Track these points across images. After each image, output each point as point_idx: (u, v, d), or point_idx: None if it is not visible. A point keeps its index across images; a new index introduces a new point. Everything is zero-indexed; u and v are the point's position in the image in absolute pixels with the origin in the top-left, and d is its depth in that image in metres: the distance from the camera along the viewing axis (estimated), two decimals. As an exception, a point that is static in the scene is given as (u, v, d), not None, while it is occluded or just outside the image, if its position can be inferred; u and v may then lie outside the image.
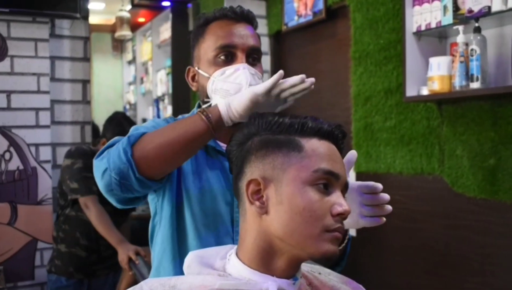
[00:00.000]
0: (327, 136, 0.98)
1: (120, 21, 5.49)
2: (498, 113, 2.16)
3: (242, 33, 1.34)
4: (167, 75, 5.17)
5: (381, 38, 2.69)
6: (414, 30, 2.32)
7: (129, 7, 5.30)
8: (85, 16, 3.32)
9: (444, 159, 2.41)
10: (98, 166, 1.20)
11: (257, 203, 0.95)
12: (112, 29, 6.37)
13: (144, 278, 2.19)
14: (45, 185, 3.14)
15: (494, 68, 2.14)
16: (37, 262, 3.12)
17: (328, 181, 0.94)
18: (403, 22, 2.34)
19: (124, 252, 2.54)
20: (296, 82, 1.17)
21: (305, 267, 1.08)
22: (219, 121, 1.18)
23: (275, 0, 3.65)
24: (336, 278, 1.11)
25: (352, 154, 1.22)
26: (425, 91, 2.28)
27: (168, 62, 5.05)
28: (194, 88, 1.41)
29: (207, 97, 1.35)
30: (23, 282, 3.09)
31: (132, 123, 2.93)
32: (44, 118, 3.16)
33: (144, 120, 5.89)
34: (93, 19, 4.88)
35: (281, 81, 1.17)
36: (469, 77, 2.07)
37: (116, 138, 1.25)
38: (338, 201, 0.94)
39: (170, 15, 4.73)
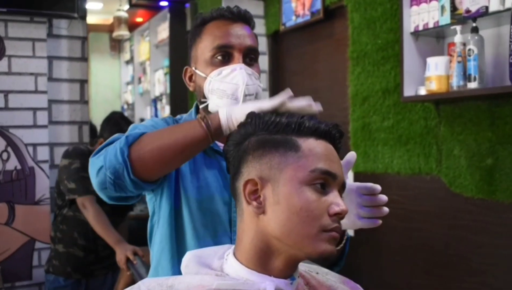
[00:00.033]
0: (324, 135, 0.98)
1: (118, 21, 5.49)
2: (495, 113, 2.16)
3: (239, 33, 1.34)
4: (165, 75, 5.17)
5: (379, 38, 2.69)
6: (412, 30, 2.32)
7: (127, 7, 5.30)
8: (83, 16, 3.32)
9: (441, 159, 2.41)
10: (94, 163, 1.20)
11: (254, 203, 0.95)
12: (110, 29, 6.36)
13: (142, 278, 2.19)
14: (43, 185, 3.14)
15: (491, 68, 2.14)
16: (35, 262, 3.12)
17: (325, 181, 0.94)
18: (400, 22, 2.34)
19: (122, 252, 2.54)
20: (303, 106, 1.14)
21: (303, 266, 1.08)
22: (218, 129, 1.16)
23: (273, 0, 3.65)
24: (333, 278, 1.11)
25: (352, 155, 1.22)
26: (422, 91, 2.28)
27: (166, 62, 5.05)
28: (191, 88, 1.41)
29: (204, 97, 1.35)
30: (21, 282, 3.09)
31: (130, 123, 2.93)
32: (42, 118, 3.16)
33: (142, 120, 5.88)
34: (91, 19, 4.87)
35: (288, 101, 1.14)
36: (466, 77, 2.07)
37: (116, 135, 1.25)
38: (335, 200, 0.94)
39: (168, 15, 4.73)
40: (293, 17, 3.39)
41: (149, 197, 1.39)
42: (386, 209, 1.21)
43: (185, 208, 1.32)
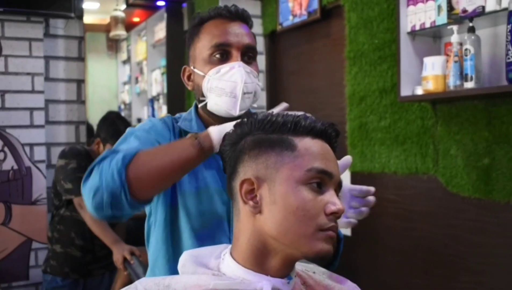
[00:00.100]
0: (320, 135, 0.98)
1: (115, 20, 5.48)
2: (492, 113, 2.17)
3: (237, 32, 1.34)
4: (162, 74, 5.17)
5: (376, 38, 2.69)
6: (409, 30, 2.32)
7: (123, 6, 5.29)
8: (80, 15, 3.31)
9: (438, 159, 2.41)
10: (89, 185, 1.17)
11: (251, 202, 0.95)
12: (106, 28, 6.35)
13: (139, 277, 2.18)
14: (40, 185, 3.14)
15: (488, 68, 2.15)
16: (32, 262, 3.11)
17: (322, 180, 0.94)
18: (397, 22, 2.35)
19: (119, 252, 2.54)
20: None
21: (300, 266, 1.08)
22: (211, 149, 1.18)
23: (270, 0, 3.65)
24: (330, 277, 1.11)
25: (347, 159, 1.24)
26: (419, 91, 2.28)
27: (163, 62, 5.05)
28: (189, 87, 1.41)
29: (203, 96, 1.35)
30: (18, 282, 3.08)
31: (126, 122, 2.92)
32: (39, 118, 3.15)
33: (139, 120, 5.88)
34: (87, 19, 4.87)
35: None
36: (463, 77, 2.08)
37: (105, 152, 1.22)
38: (331, 200, 0.94)
39: (165, 15, 4.73)
40: (290, 17, 3.39)
41: (147, 198, 1.39)
42: (367, 212, 1.29)
43: (182, 209, 1.32)
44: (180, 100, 4.56)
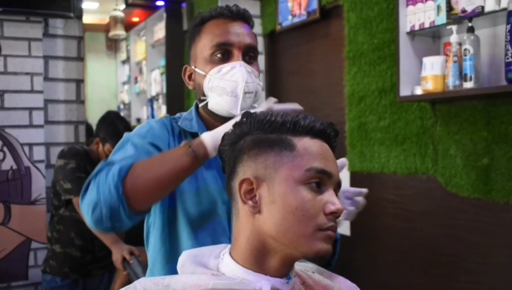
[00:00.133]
0: (319, 134, 0.98)
1: (114, 20, 5.47)
2: (491, 113, 2.17)
3: (238, 31, 1.34)
4: (161, 74, 5.16)
5: (375, 37, 2.69)
6: (408, 30, 2.32)
7: (123, 6, 5.29)
8: (79, 15, 3.31)
9: (437, 159, 2.41)
10: (87, 200, 1.17)
11: (250, 202, 0.95)
12: (106, 28, 6.35)
13: (138, 277, 2.18)
14: (39, 185, 3.14)
15: (487, 68, 2.15)
16: (31, 262, 3.11)
17: (321, 180, 0.94)
18: (396, 22, 2.34)
19: (118, 252, 2.54)
20: (289, 109, 1.17)
21: (299, 266, 1.08)
22: (205, 156, 1.19)
23: (269, 0, 3.65)
24: (329, 277, 1.11)
25: (342, 161, 1.26)
26: (418, 91, 2.28)
27: (162, 62, 5.05)
28: (190, 87, 1.42)
29: (204, 95, 1.35)
30: (17, 282, 3.08)
31: (125, 122, 2.92)
32: (38, 117, 3.15)
33: (138, 120, 5.88)
34: (87, 19, 4.86)
35: (274, 106, 1.17)
36: (462, 77, 2.08)
37: (100, 165, 1.22)
38: (331, 199, 0.94)
39: (164, 15, 4.72)
40: (290, 17, 3.39)
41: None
42: (355, 212, 1.34)
43: (182, 209, 1.32)
44: (179, 100, 4.56)
